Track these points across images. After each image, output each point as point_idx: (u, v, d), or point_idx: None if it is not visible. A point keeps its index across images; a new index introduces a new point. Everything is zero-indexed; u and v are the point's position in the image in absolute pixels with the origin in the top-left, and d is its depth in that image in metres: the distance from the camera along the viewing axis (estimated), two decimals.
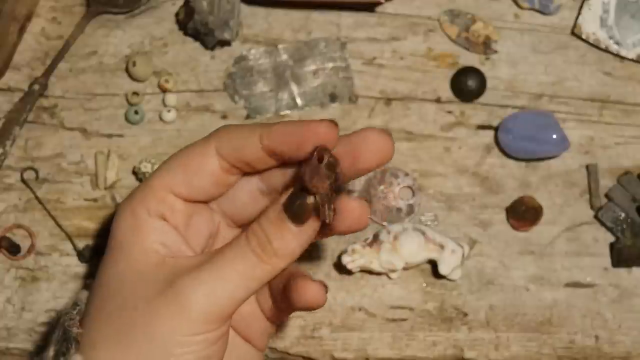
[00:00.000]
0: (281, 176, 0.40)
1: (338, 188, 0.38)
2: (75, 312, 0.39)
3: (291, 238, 0.37)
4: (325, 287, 0.40)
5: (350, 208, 0.40)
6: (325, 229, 0.40)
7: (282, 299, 0.41)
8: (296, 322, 0.56)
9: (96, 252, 0.56)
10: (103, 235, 0.56)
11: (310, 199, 0.37)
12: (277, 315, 0.43)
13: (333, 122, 0.38)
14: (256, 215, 0.40)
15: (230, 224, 0.43)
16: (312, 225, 0.37)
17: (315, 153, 0.37)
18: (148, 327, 0.36)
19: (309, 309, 0.40)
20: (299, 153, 0.38)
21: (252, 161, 0.39)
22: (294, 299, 0.39)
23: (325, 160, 0.37)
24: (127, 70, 0.58)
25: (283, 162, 0.39)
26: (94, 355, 0.37)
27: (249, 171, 0.40)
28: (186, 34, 0.59)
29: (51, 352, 0.39)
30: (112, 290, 0.39)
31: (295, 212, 0.37)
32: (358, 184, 0.57)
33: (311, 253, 0.56)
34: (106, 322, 0.38)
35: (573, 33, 0.60)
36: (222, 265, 0.37)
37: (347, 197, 0.40)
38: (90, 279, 0.56)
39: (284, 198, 0.38)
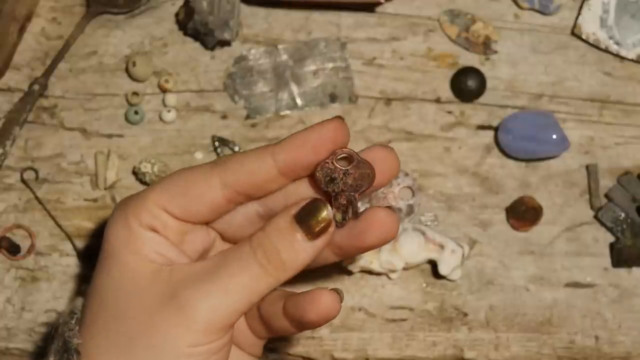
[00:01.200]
0: (282, 199, 0.39)
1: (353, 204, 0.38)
2: (73, 322, 0.39)
3: (302, 249, 0.37)
4: (341, 295, 0.39)
5: (378, 219, 0.38)
6: (354, 245, 0.39)
7: (279, 318, 0.41)
8: None
9: (96, 253, 0.56)
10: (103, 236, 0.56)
11: (329, 212, 0.37)
12: (265, 333, 0.43)
13: (340, 118, 0.38)
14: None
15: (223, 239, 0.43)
16: (325, 239, 0.37)
17: (333, 152, 0.37)
18: (150, 338, 0.36)
19: (321, 321, 0.39)
20: (317, 158, 0.37)
21: (264, 183, 0.38)
22: (308, 310, 0.38)
23: (339, 155, 0.37)
24: (127, 70, 0.58)
25: (294, 178, 0.39)
26: None
27: (256, 196, 0.39)
28: (186, 34, 0.59)
29: None
30: (108, 299, 0.38)
31: (308, 223, 0.36)
32: None
33: None
34: (104, 333, 0.38)
35: (573, 33, 0.60)
36: (226, 276, 0.37)
37: (375, 207, 0.39)
38: (85, 285, 0.55)
39: (294, 208, 0.37)
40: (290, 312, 0.40)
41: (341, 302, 0.39)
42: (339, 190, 0.37)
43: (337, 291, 0.39)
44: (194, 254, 0.41)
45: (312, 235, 0.37)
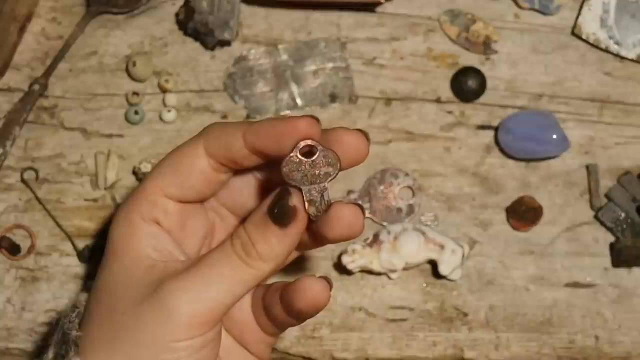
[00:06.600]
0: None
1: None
2: (74, 314, 0.39)
3: (275, 241, 0.37)
4: (330, 283, 0.39)
5: (341, 215, 0.38)
6: (318, 237, 0.39)
7: (278, 309, 0.40)
8: None
9: (96, 252, 0.56)
10: (103, 236, 0.56)
11: (292, 200, 0.37)
12: (271, 328, 0.43)
13: (314, 118, 0.37)
14: (253, 203, 0.40)
15: (229, 216, 0.43)
16: (296, 228, 0.37)
17: (295, 146, 0.37)
18: (134, 332, 0.36)
19: (311, 310, 0.38)
20: (280, 149, 0.37)
21: (238, 159, 0.39)
22: (296, 298, 0.38)
23: (302, 147, 0.37)
24: (127, 70, 0.58)
25: (269, 160, 0.39)
26: (89, 359, 0.37)
27: (238, 168, 0.40)
28: (186, 34, 0.59)
29: (50, 354, 0.39)
30: (106, 294, 0.39)
31: (277, 215, 0.36)
32: (358, 184, 0.57)
33: (311, 253, 0.56)
34: (99, 326, 0.38)
35: (573, 33, 0.60)
36: (207, 269, 0.37)
37: (340, 202, 0.39)
38: (90, 281, 0.56)
39: (268, 201, 0.37)
40: (283, 302, 0.40)
41: (330, 289, 0.39)
42: (307, 183, 0.37)
43: (326, 279, 0.39)
44: (196, 240, 0.41)
45: (282, 225, 0.37)
